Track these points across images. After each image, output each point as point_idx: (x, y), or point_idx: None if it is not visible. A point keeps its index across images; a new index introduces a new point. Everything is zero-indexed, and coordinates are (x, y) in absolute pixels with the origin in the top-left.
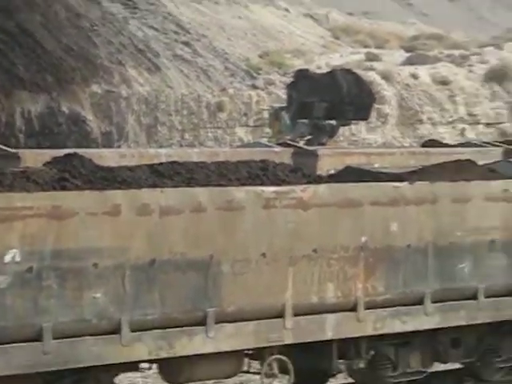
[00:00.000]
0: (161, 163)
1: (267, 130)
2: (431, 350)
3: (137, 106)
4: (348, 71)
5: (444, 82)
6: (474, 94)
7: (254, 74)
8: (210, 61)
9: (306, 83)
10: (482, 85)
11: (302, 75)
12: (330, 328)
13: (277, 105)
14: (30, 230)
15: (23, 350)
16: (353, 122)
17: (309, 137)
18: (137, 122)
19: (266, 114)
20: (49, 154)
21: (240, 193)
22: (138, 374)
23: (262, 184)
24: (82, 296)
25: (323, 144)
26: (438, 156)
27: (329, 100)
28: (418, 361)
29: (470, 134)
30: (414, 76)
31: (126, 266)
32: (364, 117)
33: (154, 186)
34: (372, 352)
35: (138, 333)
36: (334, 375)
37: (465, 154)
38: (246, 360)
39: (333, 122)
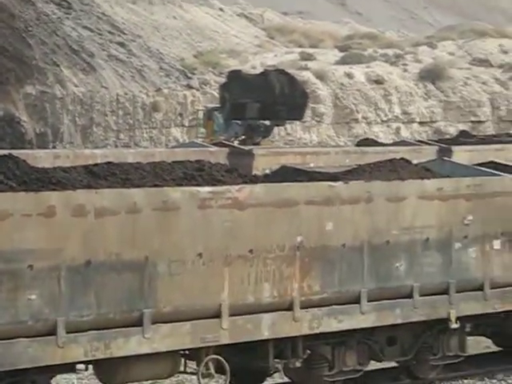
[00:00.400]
0: (96, 164)
1: (202, 130)
2: (367, 349)
3: (72, 107)
4: (281, 71)
5: (379, 81)
6: (408, 93)
7: (189, 74)
8: (145, 61)
9: (238, 84)
10: (416, 84)
11: (234, 76)
12: (267, 328)
13: (210, 105)
14: None
15: None
16: (287, 121)
17: (243, 137)
18: (72, 122)
19: (200, 115)
20: None
21: (175, 193)
22: (74, 376)
23: (197, 184)
24: (17, 297)
25: (257, 144)
26: (372, 155)
27: (261, 100)
28: (355, 360)
29: (405, 133)
30: (349, 75)
31: (61, 268)
32: (298, 116)
33: (89, 186)
34: (308, 351)
35: (73, 334)
36: (270, 375)
37: (399, 152)
38: (183, 360)
39: (267, 122)
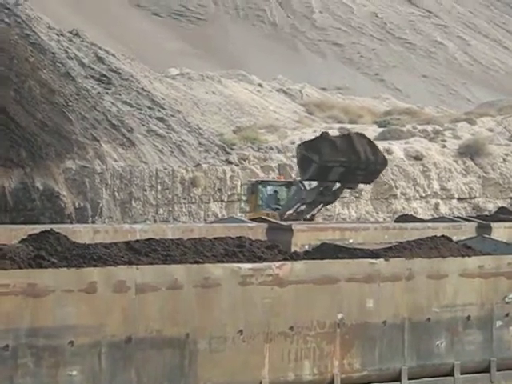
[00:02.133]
0: (137, 240)
1: (242, 205)
2: None
3: (111, 181)
4: (362, 135)
5: (417, 157)
6: (447, 169)
7: (228, 149)
8: (184, 136)
9: (328, 146)
10: (454, 160)
11: (322, 138)
12: None
13: (257, 178)
14: (6, 308)
15: None
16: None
17: (302, 207)
18: (111, 197)
19: (241, 189)
20: (24, 230)
21: (217, 269)
22: None
23: (238, 261)
24: (57, 374)
25: (312, 219)
26: (411, 231)
27: (347, 165)
28: None
29: (444, 209)
30: (388, 151)
31: (102, 344)
32: (368, 181)
33: (130, 263)
34: None
35: None
36: None
37: (438, 229)
38: None
39: (337, 184)
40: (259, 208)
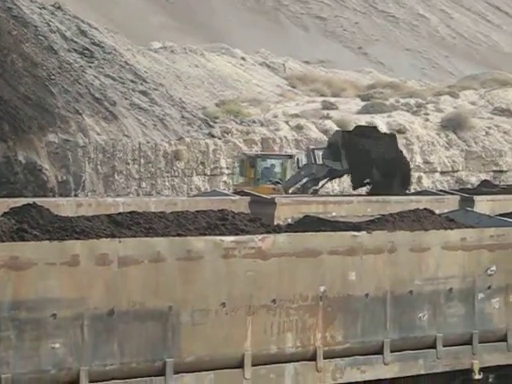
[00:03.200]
0: (119, 213)
1: (237, 178)
2: None
3: (94, 155)
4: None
5: (400, 131)
6: (429, 143)
7: (211, 123)
8: (167, 110)
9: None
10: (437, 133)
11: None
12: (290, 378)
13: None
14: None
15: None
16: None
17: (304, 180)
18: (94, 170)
19: (234, 163)
20: (6, 203)
21: (199, 242)
22: None
23: (220, 234)
24: (40, 346)
25: (315, 191)
26: (394, 204)
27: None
28: None
29: (427, 183)
30: (370, 124)
31: (84, 316)
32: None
33: (113, 236)
34: None
35: (97, 383)
36: None
37: (422, 202)
38: None
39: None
40: (258, 182)
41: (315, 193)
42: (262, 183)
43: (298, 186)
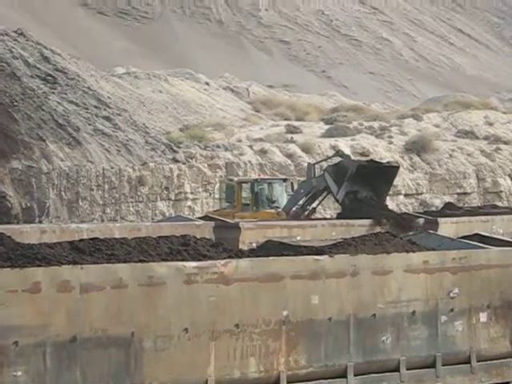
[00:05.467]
0: (81, 240)
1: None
2: None
3: (58, 181)
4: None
5: (364, 154)
6: (393, 163)
7: (175, 148)
8: (131, 135)
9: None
10: (401, 156)
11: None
12: None
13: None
14: None
15: None
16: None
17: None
18: (58, 196)
19: (219, 188)
20: None
21: (161, 268)
22: None
23: (183, 259)
24: (2, 374)
25: (314, 209)
26: (359, 228)
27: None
28: None
29: (391, 205)
30: (335, 148)
31: (46, 344)
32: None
33: (75, 262)
34: None
35: None
36: None
37: (386, 225)
38: None
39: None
40: (258, 207)
41: (313, 211)
42: (262, 208)
43: (298, 206)
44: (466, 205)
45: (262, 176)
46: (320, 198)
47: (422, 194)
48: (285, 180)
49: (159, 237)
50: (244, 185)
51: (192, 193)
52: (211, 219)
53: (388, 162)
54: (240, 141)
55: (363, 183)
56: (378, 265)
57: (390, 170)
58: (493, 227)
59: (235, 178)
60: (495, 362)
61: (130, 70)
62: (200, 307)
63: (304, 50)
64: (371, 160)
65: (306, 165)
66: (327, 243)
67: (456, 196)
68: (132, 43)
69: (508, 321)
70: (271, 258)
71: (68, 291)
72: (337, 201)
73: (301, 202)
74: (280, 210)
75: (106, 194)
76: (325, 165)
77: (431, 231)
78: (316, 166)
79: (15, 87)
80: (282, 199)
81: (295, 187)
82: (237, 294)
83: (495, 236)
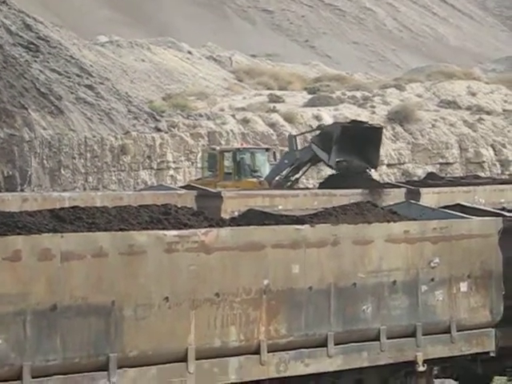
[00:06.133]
0: (62, 208)
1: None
2: None
3: (40, 150)
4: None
5: None
6: (376, 125)
7: (158, 117)
8: (113, 104)
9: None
10: (384, 126)
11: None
12: (234, 371)
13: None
14: None
15: None
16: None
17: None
18: (40, 165)
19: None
20: None
21: (142, 237)
22: None
23: (163, 228)
24: None
25: (297, 180)
26: (341, 197)
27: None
28: None
29: (373, 175)
30: (317, 117)
31: (27, 312)
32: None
33: (55, 231)
34: None
35: (39, 379)
36: None
37: (368, 195)
38: None
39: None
40: (240, 176)
41: (296, 182)
42: (244, 178)
43: (281, 176)
44: (449, 175)
45: (245, 145)
46: (304, 169)
47: (404, 163)
48: (267, 149)
49: (140, 205)
50: (226, 154)
51: (174, 162)
52: (193, 188)
53: (370, 124)
54: (222, 110)
55: (351, 149)
56: (359, 234)
57: (375, 133)
58: (475, 197)
59: (218, 147)
60: (475, 331)
61: (113, 38)
62: (180, 276)
63: (287, 20)
64: (353, 120)
65: (288, 134)
66: (309, 212)
67: (438, 166)
68: (115, 12)
69: (488, 291)
70: (252, 227)
71: (48, 259)
72: (330, 167)
73: (284, 173)
74: (262, 179)
75: (88, 162)
76: (308, 136)
77: (412, 201)
78: (298, 137)
79: None
80: (265, 169)
81: (278, 157)
82: (217, 263)
83: (477, 206)
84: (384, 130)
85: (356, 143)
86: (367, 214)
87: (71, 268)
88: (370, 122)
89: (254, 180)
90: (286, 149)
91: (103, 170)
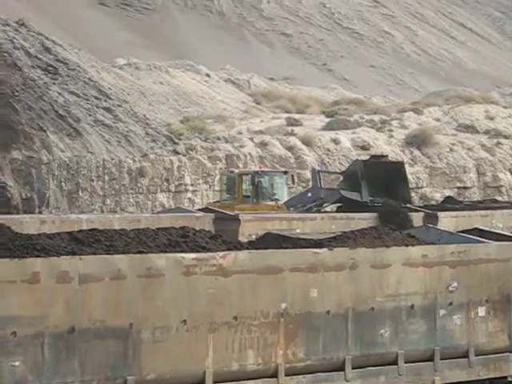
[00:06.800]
0: (80, 230)
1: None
2: None
3: (58, 172)
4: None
5: (364, 147)
6: (394, 159)
7: (175, 140)
8: (131, 126)
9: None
10: (401, 149)
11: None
12: None
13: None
14: None
15: None
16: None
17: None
18: (58, 187)
19: (219, 180)
20: None
21: (160, 260)
22: None
23: (181, 251)
24: (0, 364)
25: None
26: (358, 221)
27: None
28: None
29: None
30: (335, 141)
31: (45, 334)
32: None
33: (73, 253)
34: None
35: None
36: None
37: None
38: None
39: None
40: (258, 199)
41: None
42: (261, 200)
43: (304, 207)
44: (466, 199)
45: (263, 168)
46: (325, 206)
47: (422, 187)
48: (285, 172)
49: (158, 228)
50: (244, 177)
51: (192, 185)
52: (211, 211)
53: (386, 156)
54: (240, 133)
55: (379, 187)
56: (377, 258)
57: (398, 167)
58: (492, 221)
59: (236, 170)
60: (493, 356)
61: (131, 60)
62: (198, 299)
63: (305, 43)
64: (372, 156)
65: (311, 168)
66: (326, 236)
67: (456, 190)
68: (133, 34)
69: (506, 315)
70: (270, 250)
71: (67, 282)
72: (365, 204)
73: (306, 207)
74: (280, 202)
75: (106, 185)
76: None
77: (430, 225)
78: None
79: (16, 77)
80: (283, 192)
81: (296, 180)
82: (235, 286)
83: (494, 230)
84: (401, 158)
85: (382, 180)
86: (385, 238)
87: (89, 290)
88: (390, 157)
89: (272, 203)
90: (305, 172)
91: (121, 193)
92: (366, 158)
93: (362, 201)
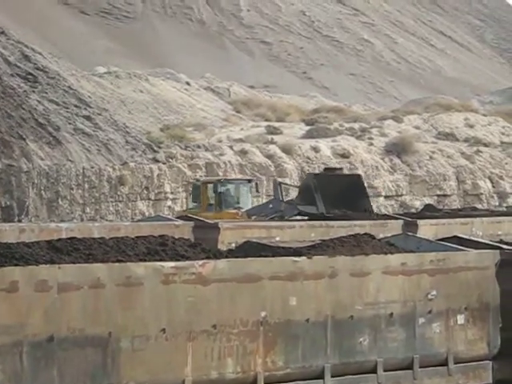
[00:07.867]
0: (59, 239)
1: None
2: None
3: (37, 180)
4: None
5: (344, 155)
6: (374, 167)
7: (155, 148)
8: (111, 134)
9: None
10: (381, 157)
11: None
12: None
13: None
14: None
15: None
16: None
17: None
18: (38, 196)
19: (189, 189)
20: None
21: (139, 268)
22: None
23: (160, 259)
24: None
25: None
26: (338, 229)
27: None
28: None
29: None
30: (315, 149)
31: (23, 343)
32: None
33: (52, 262)
34: None
35: None
36: None
37: (365, 226)
38: None
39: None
40: (221, 207)
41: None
42: (224, 209)
43: (262, 214)
44: (446, 207)
45: (226, 177)
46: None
47: (402, 195)
48: (249, 181)
49: (137, 237)
50: (209, 185)
51: (172, 193)
52: (190, 219)
53: (341, 169)
54: (220, 141)
55: (336, 199)
56: (356, 266)
57: (355, 180)
58: (472, 229)
59: (201, 179)
60: (473, 364)
61: (111, 69)
62: (177, 307)
63: (285, 51)
64: (326, 168)
65: (286, 166)
66: (306, 244)
67: (436, 198)
68: (113, 42)
69: (485, 323)
70: (249, 258)
71: (45, 291)
72: (322, 214)
73: (268, 217)
74: (243, 210)
75: (85, 193)
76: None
77: (410, 233)
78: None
79: None
80: (247, 200)
81: (260, 188)
82: (214, 295)
83: (474, 238)
84: (381, 165)
85: (338, 192)
86: (364, 246)
87: (68, 299)
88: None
89: (234, 211)
90: (285, 180)
91: (101, 201)
92: (339, 167)
93: (318, 213)
